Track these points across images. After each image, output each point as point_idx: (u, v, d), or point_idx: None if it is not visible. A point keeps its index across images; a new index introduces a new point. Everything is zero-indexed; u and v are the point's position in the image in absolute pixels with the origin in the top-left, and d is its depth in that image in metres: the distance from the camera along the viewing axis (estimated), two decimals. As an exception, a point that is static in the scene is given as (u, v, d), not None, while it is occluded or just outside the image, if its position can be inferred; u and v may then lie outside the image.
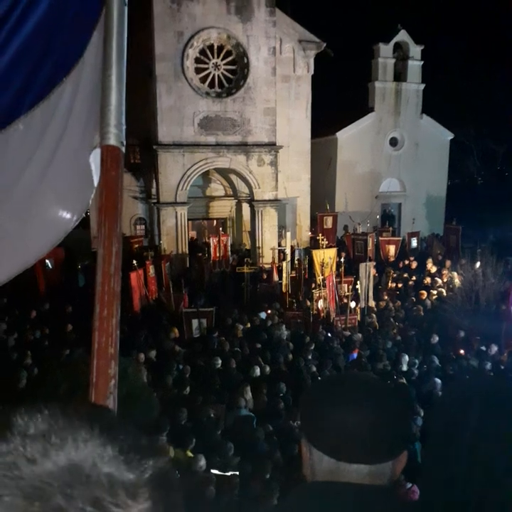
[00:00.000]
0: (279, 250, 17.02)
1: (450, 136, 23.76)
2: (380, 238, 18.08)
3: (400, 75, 22.33)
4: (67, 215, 1.85)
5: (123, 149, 1.53)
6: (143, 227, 20.01)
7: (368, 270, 12.75)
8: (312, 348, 9.74)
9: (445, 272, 15.13)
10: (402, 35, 22.07)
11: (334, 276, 12.93)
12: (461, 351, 10.01)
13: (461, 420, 1.20)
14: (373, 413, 1.08)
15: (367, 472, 1.08)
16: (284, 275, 14.48)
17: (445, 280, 14.66)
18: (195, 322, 10.89)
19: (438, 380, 8.15)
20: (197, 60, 16.65)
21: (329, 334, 11.02)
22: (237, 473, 5.48)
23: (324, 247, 14.71)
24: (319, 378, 8.10)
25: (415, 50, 22.24)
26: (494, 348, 9.80)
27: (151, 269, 13.48)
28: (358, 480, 1.08)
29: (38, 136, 1.69)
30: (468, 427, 1.20)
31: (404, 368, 9.04)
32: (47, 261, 13.42)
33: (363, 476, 1.08)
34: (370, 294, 12.84)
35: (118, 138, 1.51)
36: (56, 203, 1.85)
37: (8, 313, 11.27)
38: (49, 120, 1.69)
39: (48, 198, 1.82)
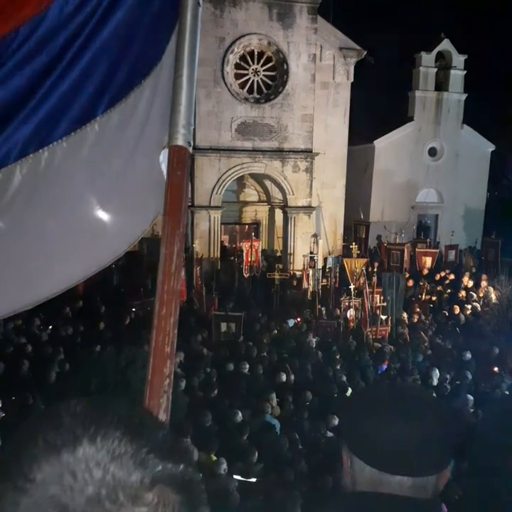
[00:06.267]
0: (310, 257, 16.93)
1: (491, 147, 23.21)
2: (417, 249, 17.77)
3: (441, 85, 21.96)
4: (143, 217, 1.85)
5: (190, 150, 1.54)
6: (177, 229, 20.19)
7: (395, 281, 12.50)
8: (338, 356, 9.64)
9: (482, 286, 14.74)
10: (445, 44, 21.72)
11: (366, 286, 12.77)
12: (495, 368, 9.72)
13: (501, 444, 1.16)
14: (420, 426, 1.05)
15: (410, 485, 1.04)
16: (311, 282, 14.44)
17: (481, 295, 14.29)
18: (223, 326, 10.92)
19: (470, 397, 7.93)
20: (237, 66, 16.76)
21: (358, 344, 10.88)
22: (261, 479, 5.45)
23: (356, 256, 14.57)
24: (349, 388, 8.01)
25: (458, 60, 21.84)
26: (530, 367, 9.49)
27: (183, 272, 13.60)
28: (401, 492, 1.04)
29: (114, 138, 1.70)
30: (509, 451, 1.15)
31: (435, 382, 8.84)
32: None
33: (406, 489, 1.04)
34: (399, 306, 12.58)
35: (186, 138, 1.52)
36: (133, 203, 1.84)
37: (42, 309, 11.53)
38: (127, 123, 1.69)
39: (125, 198, 1.82)
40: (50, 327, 10.51)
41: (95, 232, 1.80)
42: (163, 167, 1.60)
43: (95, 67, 1.59)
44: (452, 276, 16.09)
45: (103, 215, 1.77)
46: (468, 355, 10.04)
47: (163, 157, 1.58)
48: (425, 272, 16.73)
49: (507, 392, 8.40)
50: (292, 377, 8.56)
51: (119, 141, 1.71)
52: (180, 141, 1.51)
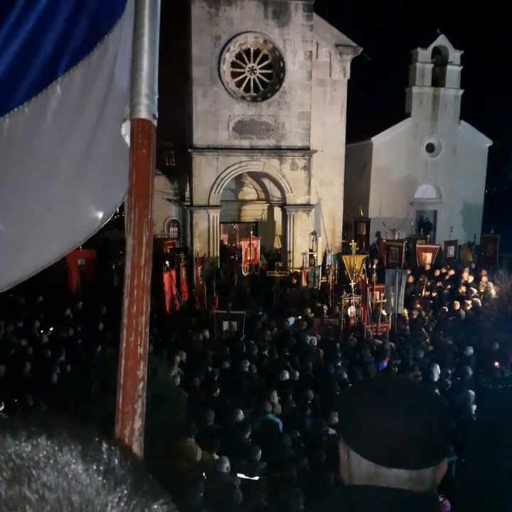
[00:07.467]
0: (309, 255, 16.95)
1: (489, 143, 23.22)
2: (417, 245, 17.79)
3: (438, 80, 21.96)
4: (116, 190, 1.64)
5: (155, 123, 1.35)
6: (176, 229, 20.22)
7: (398, 278, 12.49)
8: (340, 354, 9.65)
9: (482, 281, 14.75)
10: (441, 40, 21.70)
11: (366, 282, 12.78)
12: (496, 364, 9.73)
13: (501, 437, 1.15)
14: (416, 417, 1.04)
15: (407, 477, 1.04)
16: (310, 280, 14.61)
17: (482, 290, 14.30)
18: (225, 324, 10.93)
19: (471, 392, 7.94)
20: (233, 64, 16.74)
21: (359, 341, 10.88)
22: (264, 477, 5.45)
23: (355, 253, 14.58)
24: (350, 385, 8.01)
25: (454, 55, 21.83)
26: (531, 362, 9.50)
27: (184, 272, 13.61)
28: (398, 485, 1.04)
29: (79, 101, 1.50)
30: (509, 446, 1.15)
31: (436, 378, 8.86)
32: (79, 261, 13.77)
33: (403, 482, 1.04)
34: (401, 301, 12.57)
35: (150, 110, 1.33)
36: (104, 174, 1.65)
37: (42, 311, 11.52)
38: (91, 83, 1.49)
39: (96, 168, 1.63)
40: (51, 329, 10.51)
41: (65, 207, 1.63)
42: (127, 140, 1.40)
43: (50, 20, 1.39)
44: (452, 272, 16.10)
45: (73, 188, 1.60)
46: (471, 351, 10.05)
47: (125, 130, 1.40)
48: (427, 267, 16.74)
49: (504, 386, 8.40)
50: (294, 374, 8.55)
51: (85, 103, 1.52)
52: (143, 114, 1.32)
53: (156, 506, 0.48)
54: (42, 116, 1.45)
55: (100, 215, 1.69)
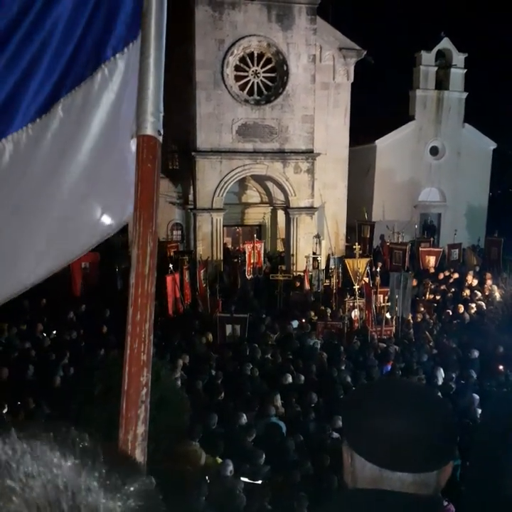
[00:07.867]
0: (313, 258, 16.94)
1: (493, 145, 23.17)
2: (420, 249, 17.75)
3: (441, 83, 21.93)
4: (118, 208, 1.68)
5: (160, 139, 1.41)
6: (179, 232, 20.23)
7: (402, 281, 12.46)
8: (344, 358, 9.62)
9: (487, 285, 14.70)
10: (445, 43, 21.68)
11: (370, 286, 12.75)
12: (500, 367, 9.69)
13: (505, 440, 1.15)
14: (420, 421, 1.03)
15: (411, 481, 1.03)
16: (313, 283, 14.62)
17: (486, 293, 14.25)
18: (228, 327, 10.91)
19: (476, 396, 7.91)
20: (237, 68, 16.78)
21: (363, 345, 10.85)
22: (267, 481, 5.44)
23: (359, 256, 14.56)
24: (354, 388, 7.98)
25: (458, 58, 21.80)
26: (536, 365, 9.46)
27: (187, 275, 13.61)
28: (402, 489, 1.03)
29: (82, 120, 1.52)
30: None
31: (440, 381, 8.83)
32: (83, 264, 13.80)
33: (407, 485, 1.03)
34: (407, 305, 12.52)
35: (155, 126, 1.39)
36: (105, 193, 1.67)
37: (46, 314, 11.53)
38: (95, 103, 1.52)
39: (96, 187, 1.64)
40: (54, 332, 10.53)
41: (63, 223, 1.64)
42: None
43: (54, 43, 1.41)
44: (456, 275, 16.06)
45: (71, 206, 1.61)
46: (476, 354, 10.01)
47: (134, 146, 1.45)
48: (432, 270, 16.70)
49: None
50: (297, 378, 8.53)
51: (88, 121, 1.54)
52: (149, 131, 1.37)
53: (133, 480, 0.51)
54: (45, 134, 1.48)
55: (103, 227, 1.72)
